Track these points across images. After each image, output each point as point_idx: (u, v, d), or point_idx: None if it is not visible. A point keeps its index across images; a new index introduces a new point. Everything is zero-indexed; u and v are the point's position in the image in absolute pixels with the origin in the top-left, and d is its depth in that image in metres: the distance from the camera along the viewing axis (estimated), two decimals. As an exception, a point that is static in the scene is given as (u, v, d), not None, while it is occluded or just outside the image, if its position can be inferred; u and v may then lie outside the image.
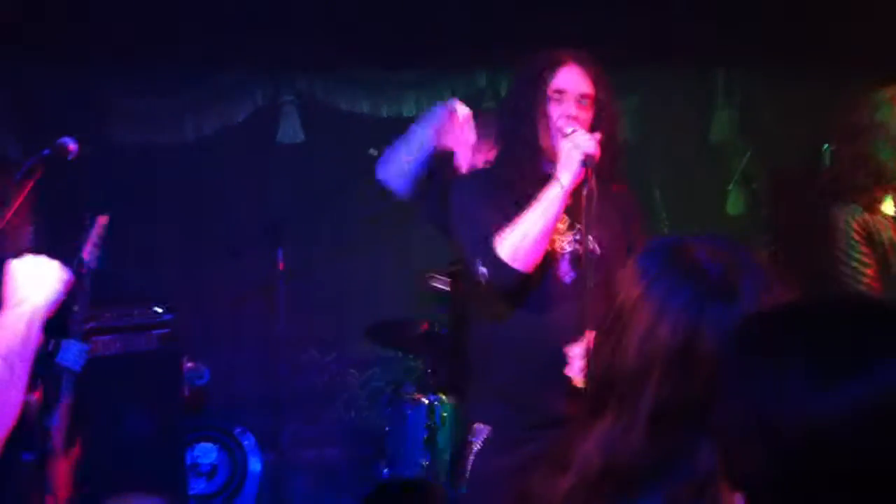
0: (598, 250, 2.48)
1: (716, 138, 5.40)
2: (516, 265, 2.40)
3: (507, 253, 2.40)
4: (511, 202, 2.47)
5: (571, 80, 2.52)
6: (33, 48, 4.55)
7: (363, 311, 4.73)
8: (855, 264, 2.83)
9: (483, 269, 2.45)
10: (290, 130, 5.12)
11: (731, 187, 5.33)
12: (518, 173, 2.51)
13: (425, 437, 4.07)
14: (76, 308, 3.00)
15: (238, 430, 4.65)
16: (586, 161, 2.35)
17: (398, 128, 4.90)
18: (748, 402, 0.81)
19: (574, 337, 2.34)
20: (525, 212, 2.40)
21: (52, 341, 3.01)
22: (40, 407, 2.93)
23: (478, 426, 2.57)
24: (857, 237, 2.84)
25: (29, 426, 2.89)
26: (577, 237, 2.50)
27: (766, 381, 0.80)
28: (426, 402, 4.11)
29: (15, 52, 4.52)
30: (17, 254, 1.83)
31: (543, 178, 2.46)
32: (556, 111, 2.50)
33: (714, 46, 5.02)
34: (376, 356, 4.93)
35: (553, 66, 2.52)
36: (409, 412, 4.17)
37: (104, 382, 3.35)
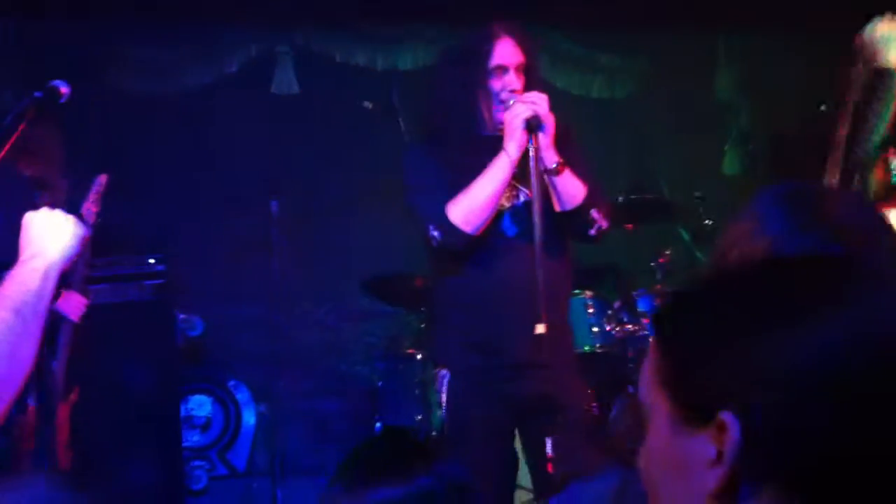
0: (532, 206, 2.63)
1: (715, 98, 5.36)
2: (467, 228, 2.64)
3: (459, 218, 2.64)
4: (458, 169, 2.68)
5: (508, 54, 2.72)
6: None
7: (359, 265, 4.73)
8: None
9: (435, 233, 2.68)
10: (285, 81, 5.07)
11: (727, 147, 5.31)
12: (463, 143, 2.73)
13: (418, 391, 4.08)
14: (77, 262, 3.04)
15: (232, 383, 4.67)
16: (529, 124, 2.58)
17: (393, 80, 4.92)
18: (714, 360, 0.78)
19: (522, 287, 2.56)
20: (476, 180, 2.64)
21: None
22: (41, 353, 3.00)
23: (441, 372, 2.82)
24: None
25: (33, 373, 2.95)
26: (516, 193, 2.74)
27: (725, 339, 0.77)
28: (420, 356, 4.12)
29: (15, 0, 4.45)
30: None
31: (486, 144, 2.69)
32: (498, 85, 2.70)
33: (716, 6, 4.97)
34: (372, 310, 4.94)
35: (489, 40, 2.72)
36: (403, 367, 4.18)
37: (96, 331, 3.36)
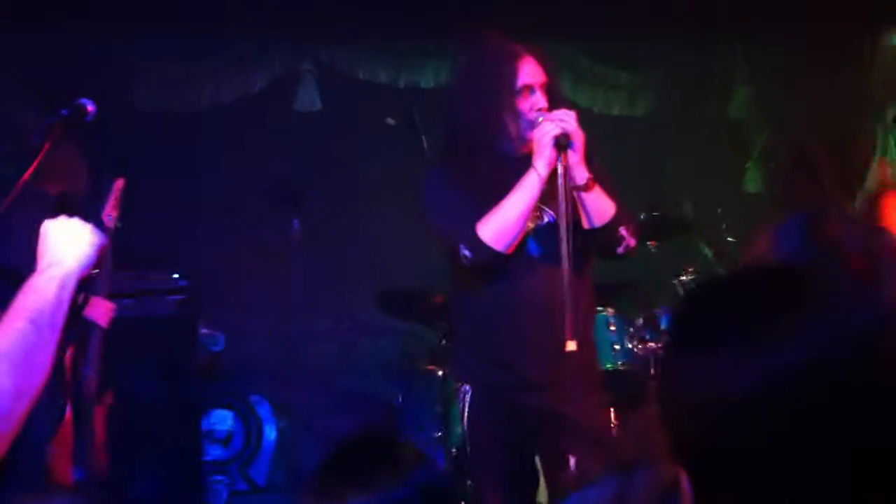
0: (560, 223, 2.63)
1: (736, 115, 5.35)
2: (498, 247, 2.65)
3: (489, 236, 2.65)
4: (484, 189, 2.69)
5: (533, 73, 2.73)
6: (55, 12, 4.55)
7: (378, 281, 4.74)
8: None
9: (466, 252, 2.68)
10: (308, 98, 5.11)
11: (749, 164, 5.30)
12: (489, 163, 2.73)
13: (439, 408, 4.07)
14: (100, 269, 3.10)
15: (254, 398, 4.68)
16: (558, 142, 2.59)
17: (415, 98, 4.95)
18: (687, 377, 0.81)
19: (547, 306, 2.59)
20: (506, 198, 2.65)
21: (82, 294, 3.13)
22: (74, 360, 3.06)
23: (464, 387, 2.83)
24: None
25: (67, 379, 3.02)
26: (540, 214, 2.74)
27: (701, 355, 0.80)
28: (440, 373, 4.11)
29: (37, 16, 4.51)
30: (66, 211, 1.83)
31: (512, 164, 2.70)
32: (525, 105, 2.71)
33: (734, 22, 4.97)
34: (390, 326, 4.94)
35: (513, 60, 2.72)
36: (423, 383, 4.17)
37: (120, 345, 3.40)
